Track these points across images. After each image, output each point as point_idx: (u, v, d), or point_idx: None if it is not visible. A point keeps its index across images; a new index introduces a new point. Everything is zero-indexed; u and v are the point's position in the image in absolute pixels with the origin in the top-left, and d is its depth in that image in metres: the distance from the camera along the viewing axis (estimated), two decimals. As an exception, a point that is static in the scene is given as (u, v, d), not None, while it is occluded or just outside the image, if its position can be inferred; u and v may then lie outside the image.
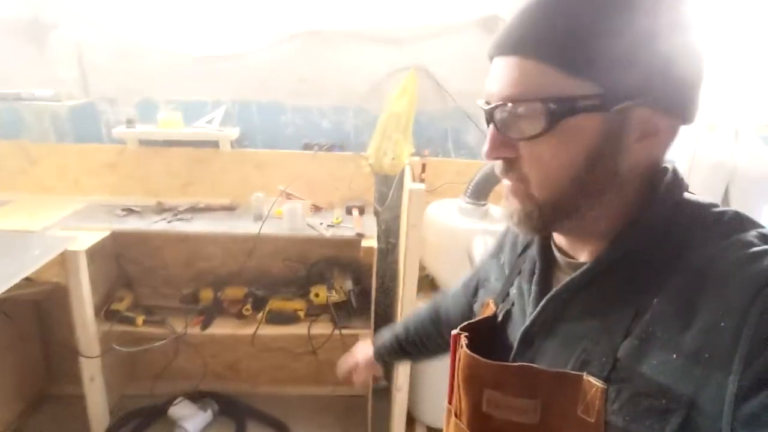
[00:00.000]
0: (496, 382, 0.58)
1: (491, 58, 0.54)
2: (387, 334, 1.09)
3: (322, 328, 2.04)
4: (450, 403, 0.68)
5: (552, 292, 0.57)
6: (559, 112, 0.47)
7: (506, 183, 0.56)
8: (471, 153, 2.19)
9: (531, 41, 0.48)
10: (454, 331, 0.65)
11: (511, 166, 0.53)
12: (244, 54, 1.99)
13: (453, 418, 0.66)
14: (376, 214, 2.20)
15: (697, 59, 0.49)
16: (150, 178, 2.12)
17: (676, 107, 0.49)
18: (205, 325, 2.02)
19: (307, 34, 1.98)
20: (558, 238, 0.62)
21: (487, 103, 0.53)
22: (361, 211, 2.13)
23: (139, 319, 1.99)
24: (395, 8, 1.97)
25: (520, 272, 0.68)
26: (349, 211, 2.13)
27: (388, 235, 2.21)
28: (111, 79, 1.99)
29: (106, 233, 1.87)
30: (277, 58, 2.00)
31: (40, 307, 2.25)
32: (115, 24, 1.93)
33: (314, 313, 2.09)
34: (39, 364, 2.30)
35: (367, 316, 2.07)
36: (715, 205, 0.52)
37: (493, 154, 0.53)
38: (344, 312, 2.04)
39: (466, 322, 0.67)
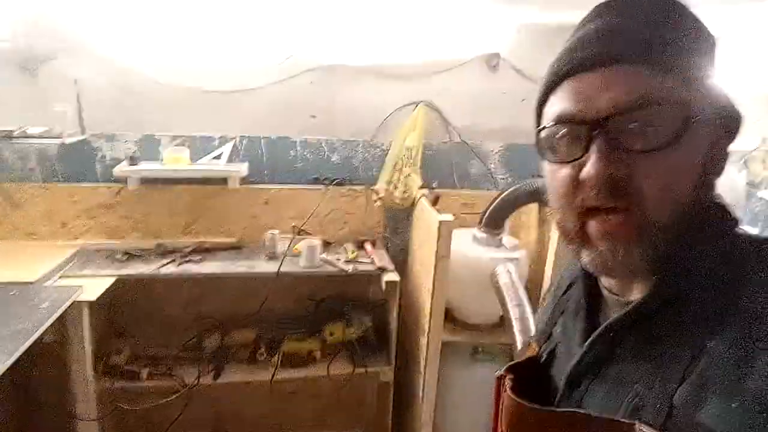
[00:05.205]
0: (542, 428, 0.55)
1: (569, 75, 0.51)
2: None
3: (341, 368, 1.97)
4: None
5: (598, 331, 0.54)
6: (692, 115, 0.46)
7: (595, 223, 0.50)
8: (475, 184, 2.25)
9: (639, 49, 0.47)
10: (497, 372, 0.62)
11: (619, 187, 0.47)
12: (255, 89, 1.95)
13: None
14: (386, 248, 2.19)
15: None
16: (149, 218, 1.99)
17: (733, 130, 0.50)
18: (218, 374, 1.89)
19: (319, 70, 1.99)
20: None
21: (580, 120, 0.49)
22: (373, 245, 2.12)
23: (144, 373, 1.82)
24: (405, 45, 2.03)
25: (563, 312, 0.66)
26: (360, 246, 2.11)
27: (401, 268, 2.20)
28: (109, 114, 1.88)
29: (111, 280, 1.72)
30: (289, 93, 1.98)
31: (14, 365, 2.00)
32: (115, 56, 1.84)
33: (330, 352, 2.02)
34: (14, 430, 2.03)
35: (386, 352, 2.03)
36: None
37: (607, 170, 0.47)
38: (364, 350, 1.99)
39: (508, 363, 0.64)
